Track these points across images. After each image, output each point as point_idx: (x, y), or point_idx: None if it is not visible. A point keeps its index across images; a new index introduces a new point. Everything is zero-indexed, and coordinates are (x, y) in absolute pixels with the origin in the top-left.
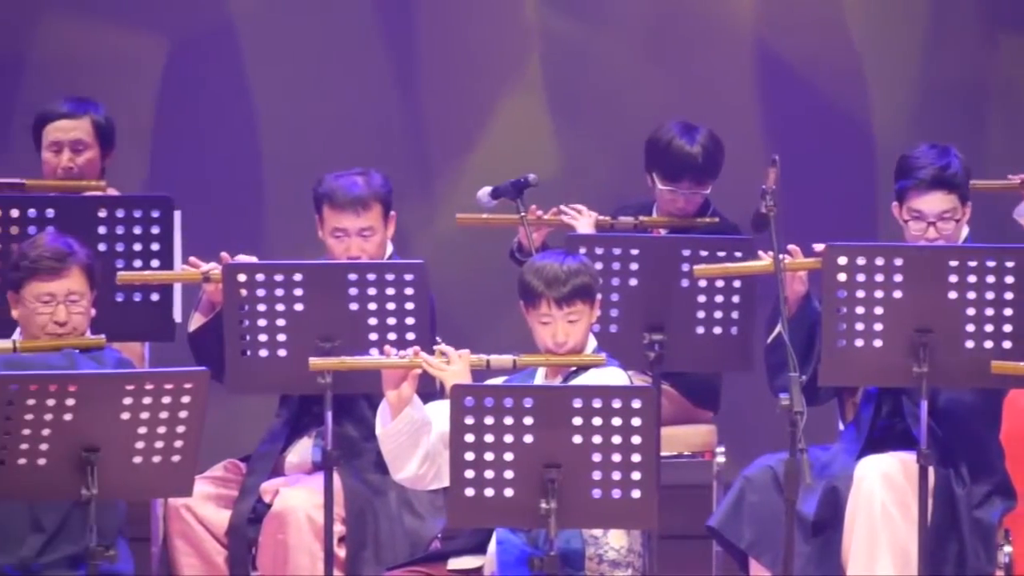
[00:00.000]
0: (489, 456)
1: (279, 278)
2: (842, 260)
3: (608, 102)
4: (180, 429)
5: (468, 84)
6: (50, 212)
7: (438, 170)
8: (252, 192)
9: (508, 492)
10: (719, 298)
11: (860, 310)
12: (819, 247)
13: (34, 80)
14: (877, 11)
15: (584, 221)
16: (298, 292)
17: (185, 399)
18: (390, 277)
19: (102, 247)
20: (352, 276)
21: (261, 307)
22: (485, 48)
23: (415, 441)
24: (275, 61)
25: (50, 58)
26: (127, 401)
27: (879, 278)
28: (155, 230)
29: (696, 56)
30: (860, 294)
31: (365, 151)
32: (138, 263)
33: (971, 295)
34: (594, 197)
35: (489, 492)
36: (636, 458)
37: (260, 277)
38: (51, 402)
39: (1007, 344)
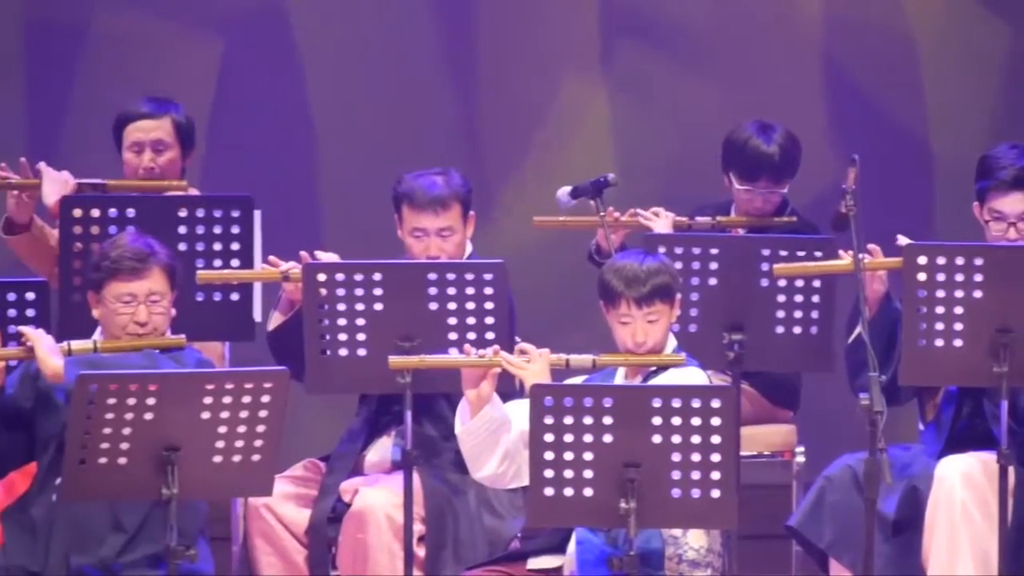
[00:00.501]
0: (569, 455)
1: (359, 277)
2: (922, 260)
3: (671, 106)
4: (260, 428)
5: (528, 78)
6: (131, 212)
7: (494, 165)
8: (307, 190)
9: (588, 492)
10: (799, 297)
11: (940, 310)
12: (903, 240)
13: (87, 75)
14: (941, 23)
15: (661, 222)
16: (378, 292)
17: (265, 398)
18: (469, 277)
19: (182, 247)
20: (432, 276)
21: (341, 306)
22: (548, 40)
23: (494, 440)
24: (330, 55)
25: (103, 53)
26: (207, 400)
27: (959, 278)
28: (235, 229)
29: (760, 60)
30: (940, 294)
31: (424, 147)
32: (218, 263)
33: None
34: (650, 196)
35: (569, 492)
36: (716, 458)
37: (340, 276)
38: (131, 402)
39: None
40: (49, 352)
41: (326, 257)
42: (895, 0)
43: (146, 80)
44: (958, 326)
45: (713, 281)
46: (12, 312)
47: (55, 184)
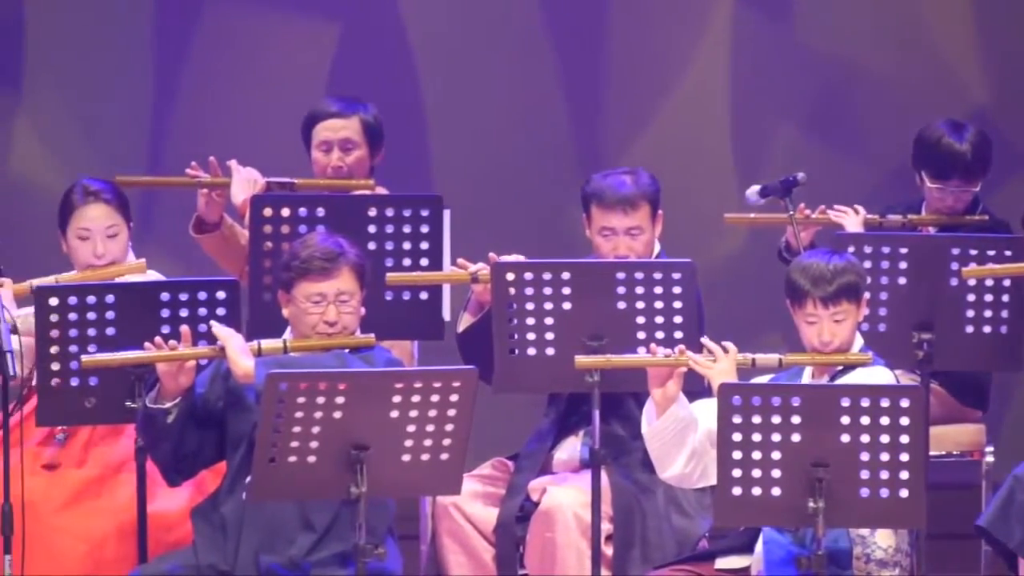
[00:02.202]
0: (756, 455)
1: (547, 277)
2: None
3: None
4: (448, 427)
5: (649, 66)
6: (321, 211)
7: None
8: (422, 184)
9: (776, 491)
10: (989, 297)
11: None
12: None
13: (196, 67)
14: None
15: (853, 219)
16: (566, 291)
17: (453, 397)
18: (658, 276)
19: (371, 246)
20: (620, 275)
21: (529, 306)
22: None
23: (681, 439)
24: (443, 47)
25: (212, 44)
26: (396, 399)
27: None
28: (424, 229)
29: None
30: None
31: (535, 141)
32: (407, 262)
33: None
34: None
35: (756, 491)
36: (904, 457)
37: (528, 276)
38: (321, 401)
39: None
40: (240, 352)
41: (513, 259)
42: None
43: (248, 69)
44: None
45: (902, 280)
46: (203, 311)
47: (244, 183)
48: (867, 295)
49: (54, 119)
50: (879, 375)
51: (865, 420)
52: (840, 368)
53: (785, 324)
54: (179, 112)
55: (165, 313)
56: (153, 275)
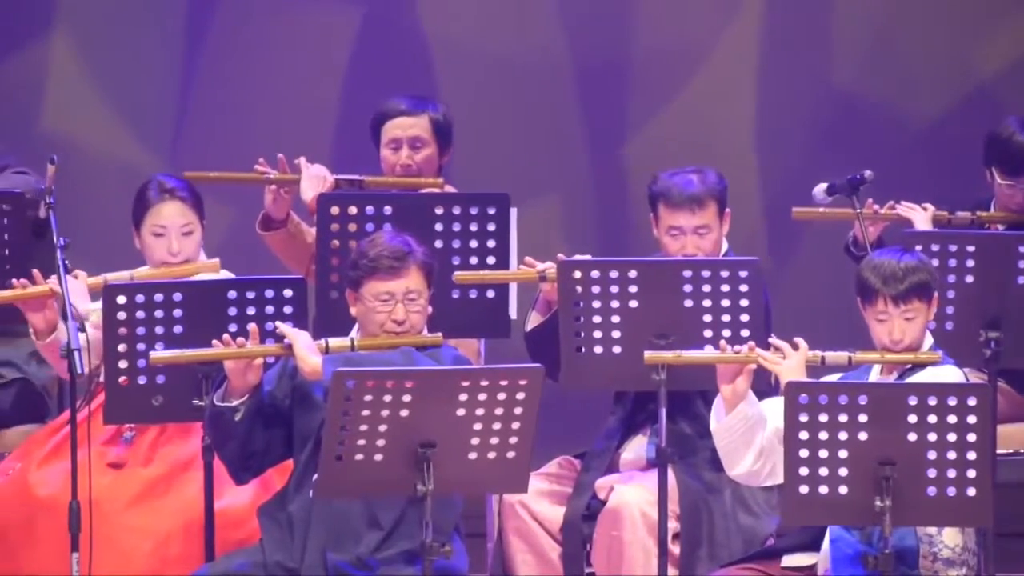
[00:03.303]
0: (823, 453)
1: (614, 275)
2: None
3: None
4: (515, 425)
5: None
6: (387, 209)
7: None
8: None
9: (842, 489)
10: None
11: None
12: None
13: (215, 56)
14: None
15: (921, 216)
16: (633, 289)
17: (520, 395)
18: (725, 274)
19: (438, 244)
20: (687, 273)
21: (596, 304)
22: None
23: (749, 437)
24: (459, 37)
25: (229, 32)
26: (463, 397)
27: None
28: (491, 227)
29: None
30: None
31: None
32: (474, 260)
33: None
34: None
35: (823, 489)
36: (971, 456)
37: (595, 274)
38: (388, 398)
39: None
40: (307, 350)
41: (581, 257)
42: None
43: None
44: None
45: (970, 279)
46: (270, 309)
47: (314, 180)
48: (937, 294)
49: (86, 71)
50: (948, 374)
51: (932, 418)
52: (909, 367)
53: (856, 321)
54: (194, 95)
55: (232, 311)
56: (225, 275)
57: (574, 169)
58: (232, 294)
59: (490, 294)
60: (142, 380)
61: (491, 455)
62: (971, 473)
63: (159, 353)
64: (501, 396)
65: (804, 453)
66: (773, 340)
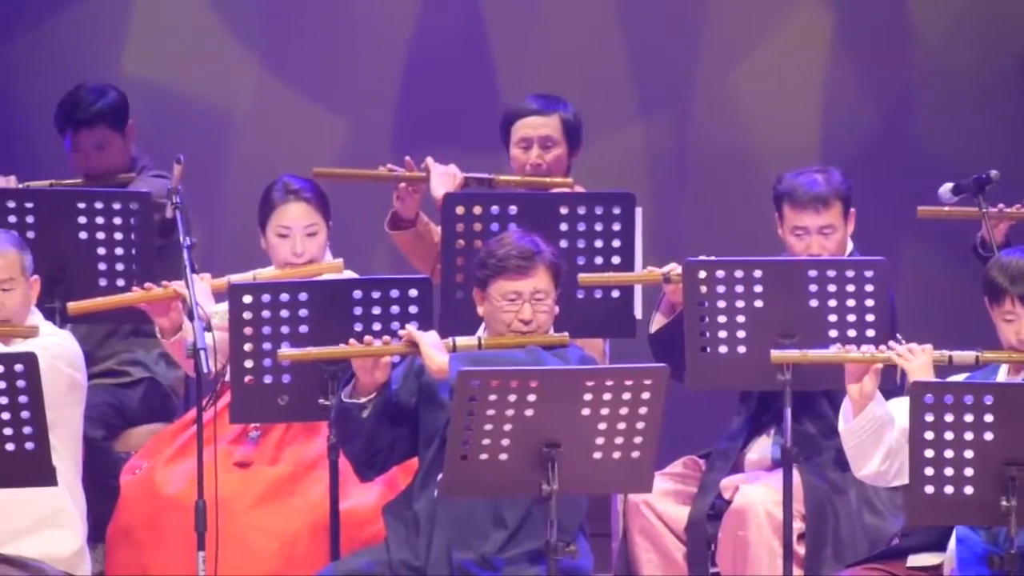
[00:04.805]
0: (949, 453)
1: (739, 275)
2: None
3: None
4: (639, 425)
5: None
6: (513, 209)
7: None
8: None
9: (968, 489)
10: None
11: None
12: None
13: (273, 47)
14: None
15: None
16: (758, 289)
17: (644, 395)
18: (850, 274)
19: (563, 244)
20: (812, 273)
21: (721, 304)
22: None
23: (877, 438)
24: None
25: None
26: (587, 397)
27: None
28: (616, 227)
29: None
30: None
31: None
32: (599, 260)
33: None
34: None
35: (949, 489)
36: None
37: (720, 274)
38: (512, 398)
39: None
40: (434, 347)
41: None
42: None
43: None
44: None
45: None
46: (395, 309)
47: (444, 177)
48: None
49: (165, 26)
50: None
51: None
52: None
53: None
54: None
55: (357, 311)
56: (349, 275)
57: (699, 166)
58: (357, 294)
59: (615, 294)
60: (268, 379)
61: (616, 455)
62: None
63: (287, 350)
64: (626, 396)
65: (930, 453)
66: (900, 340)
